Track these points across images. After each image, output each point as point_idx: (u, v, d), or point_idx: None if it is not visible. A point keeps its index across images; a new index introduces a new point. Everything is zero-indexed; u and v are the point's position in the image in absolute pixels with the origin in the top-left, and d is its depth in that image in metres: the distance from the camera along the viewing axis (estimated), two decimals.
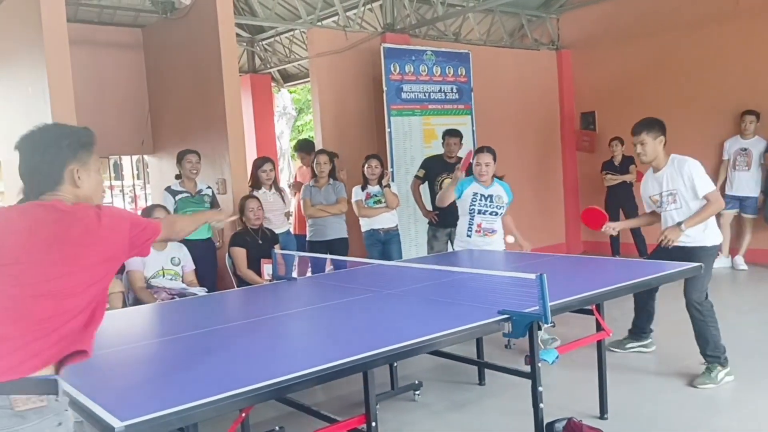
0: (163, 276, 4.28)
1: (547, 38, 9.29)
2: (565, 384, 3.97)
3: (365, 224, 5.75)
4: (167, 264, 4.32)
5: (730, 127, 7.49)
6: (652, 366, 4.24)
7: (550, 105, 9.25)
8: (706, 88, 7.78)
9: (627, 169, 7.82)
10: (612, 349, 4.45)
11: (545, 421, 2.90)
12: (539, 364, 2.83)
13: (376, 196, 5.65)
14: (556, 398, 3.58)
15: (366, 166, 5.67)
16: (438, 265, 3.83)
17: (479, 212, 4.63)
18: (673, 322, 5.31)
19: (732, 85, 7.55)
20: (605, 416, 3.42)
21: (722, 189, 7.41)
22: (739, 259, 7.26)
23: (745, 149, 7.23)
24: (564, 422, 2.91)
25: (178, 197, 5.04)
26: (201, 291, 4.27)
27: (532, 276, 2.57)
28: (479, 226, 4.62)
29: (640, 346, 4.53)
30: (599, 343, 3.44)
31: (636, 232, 7.80)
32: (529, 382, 2.83)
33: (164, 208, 4.56)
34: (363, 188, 5.68)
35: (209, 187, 5.34)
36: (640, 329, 4.54)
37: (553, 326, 2.50)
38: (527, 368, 2.86)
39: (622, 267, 3.95)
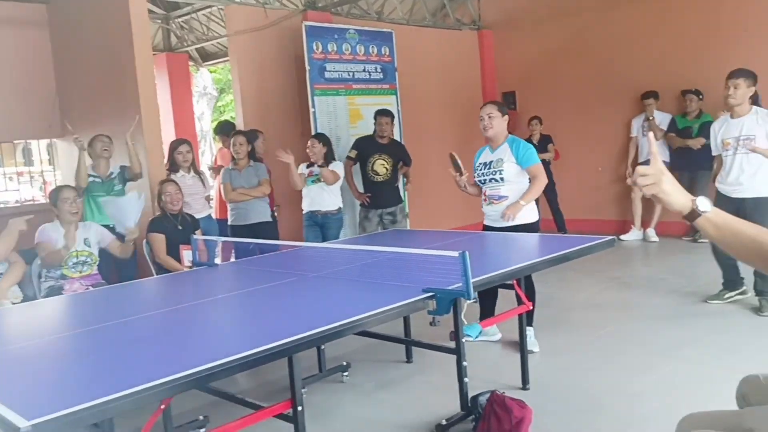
0: (77, 258, 4.10)
1: (469, 18, 9.38)
2: (492, 359, 4.08)
3: (305, 205, 5.68)
4: (80, 245, 4.15)
5: (636, 106, 7.79)
6: (575, 340, 4.40)
7: (473, 85, 9.36)
8: (615, 68, 8.07)
9: (545, 147, 8.01)
10: (711, 301, 4.82)
11: (470, 395, 2.98)
12: (463, 340, 2.90)
13: (316, 175, 5.58)
14: (481, 372, 3.68)
15: (307, 146, 5.61)
16: (365, 245, 3.82)
17: (482, 182, 4.34)
18: (594, 301, 5.54)
19: (637, 67, 7.82)
20: (527, 387, 3.53)
21: (633, 163, 7.74)
22: (651, 232, 7.60)
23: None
24: (487, 395, 2.98)
25: (88, 180, 4.89)
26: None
27: (455, 254, 2.61)
28: (484, 194, 4.34)
29: (737, 294, 4.83)
30: (520, 317, 3.53)
31: (555, 209, 8.06)
32: (455, 358, 2.89)
33: (72, 188, 4.35)
34: (308, 166, 5.62)
35: (122, 167, 5.18)
36: (731, 281, 4.84)
37: (476, 301, 2.54)
38: (453, 344, 2.92)
39: (542, 242, 4.05)
